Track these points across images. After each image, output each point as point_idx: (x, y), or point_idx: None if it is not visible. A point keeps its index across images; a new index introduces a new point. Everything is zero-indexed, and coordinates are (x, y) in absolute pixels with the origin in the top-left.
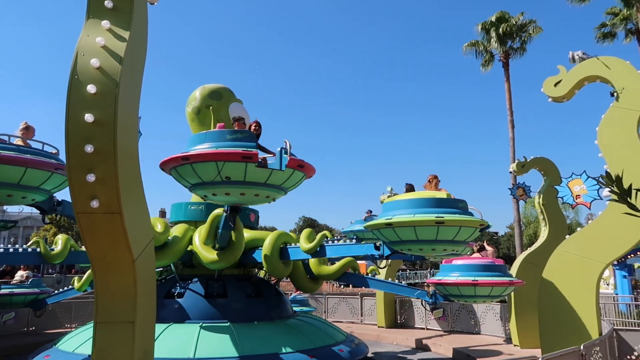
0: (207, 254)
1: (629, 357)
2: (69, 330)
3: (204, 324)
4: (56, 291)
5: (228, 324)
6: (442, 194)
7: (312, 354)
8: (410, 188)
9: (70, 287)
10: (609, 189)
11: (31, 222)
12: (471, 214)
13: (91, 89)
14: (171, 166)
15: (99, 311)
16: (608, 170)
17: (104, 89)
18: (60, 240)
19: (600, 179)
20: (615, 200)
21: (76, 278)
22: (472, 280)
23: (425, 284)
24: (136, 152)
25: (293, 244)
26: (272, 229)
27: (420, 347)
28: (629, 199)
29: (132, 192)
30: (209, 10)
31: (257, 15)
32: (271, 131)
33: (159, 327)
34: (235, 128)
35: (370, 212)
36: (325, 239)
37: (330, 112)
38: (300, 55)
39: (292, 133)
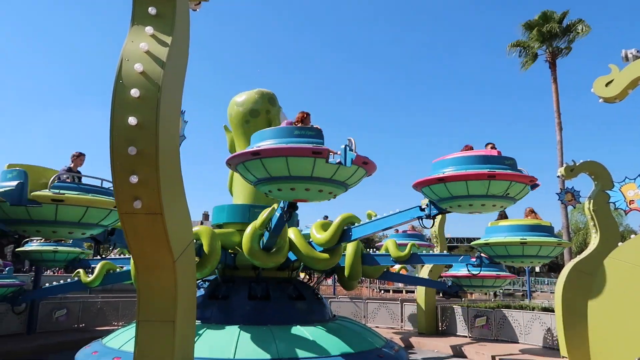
0: (317, 254)
1: None
2: (116, 327)
3: (243, 326)
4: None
5: (268, 326)
6: (548, 223)
7: (352, 359)
8: (504, 214)
9: (70, 280)
10: None
11: None
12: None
13: (135, 93)
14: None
15: (141, 310)
16: None
17: (147, 93)
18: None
19: None
20: None
21: (82, 271)
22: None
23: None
24: (177, 154)
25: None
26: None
27: (462, 355)
28: None
29: (173, 194)
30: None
31: (291, 18)
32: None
33: (200, 327)
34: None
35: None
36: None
37: (368, 114)
38: (338, 58)
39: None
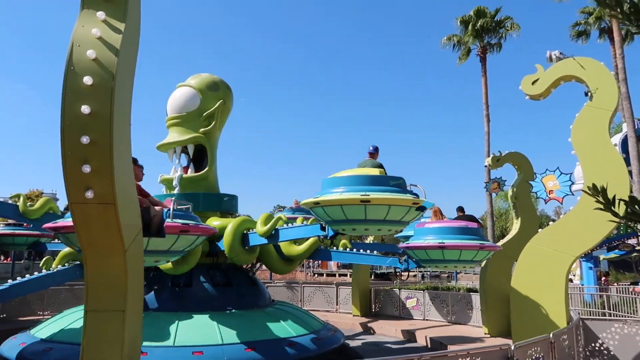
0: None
1: (593, 344)
2: (42, 318)
3: (182, 313)
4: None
5: (208, 312)
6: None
7: (291, 342)
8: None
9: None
10: (595, 200)
11: None
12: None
13: (87, 80)
14: None
15: (90, 300)
16: (579, 166)
17: (101, 81)
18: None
19: (587, 190)
20: (600, 209)
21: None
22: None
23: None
24: (129, 144)
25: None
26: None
27: (395, 335)
28: (613, 208)
29: (125, 183)
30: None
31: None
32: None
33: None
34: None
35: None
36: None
37: (305, 100)
38: (275, 44)
39: (267, 119)
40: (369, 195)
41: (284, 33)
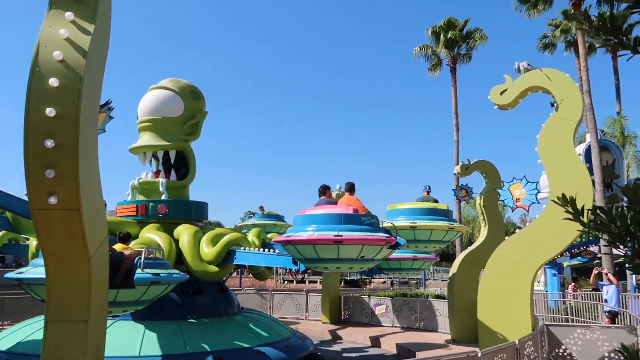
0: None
1: (557, 350)
2: (1, 327)
3: (149, 322)
4: None
5: (174, 321)
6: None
7: (259, 350)
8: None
9: None
10: (565, 210)
11: None
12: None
13: (53, 82)
14: None
15: (51, 310)
16: (545, 175)
17: (67, 83)
18: None
19: (556, 200)
20: (570, 219)
21: None
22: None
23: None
24: (96, 148)
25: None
26: (217, 225)
27: (364, 342)
28: (581, 218)
29: (91, 189)
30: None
31: (209, 6)
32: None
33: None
34: None
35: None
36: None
37: (274, 104)
38: (245, 45)
39: (235, 124)
40: (453, 225)
41: (259, 34)
